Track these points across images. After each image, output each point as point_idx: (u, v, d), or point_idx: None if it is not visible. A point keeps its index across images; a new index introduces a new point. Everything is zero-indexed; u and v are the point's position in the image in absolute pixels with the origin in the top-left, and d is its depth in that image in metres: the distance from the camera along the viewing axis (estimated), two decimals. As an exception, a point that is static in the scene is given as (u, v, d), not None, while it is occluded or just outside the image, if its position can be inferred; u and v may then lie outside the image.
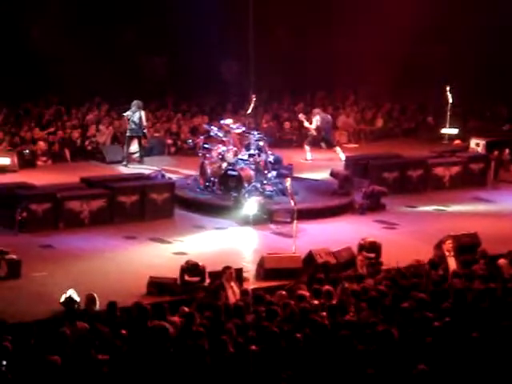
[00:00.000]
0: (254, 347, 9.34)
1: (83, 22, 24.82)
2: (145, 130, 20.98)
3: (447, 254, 13.53)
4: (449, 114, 23.83)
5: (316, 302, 11.03)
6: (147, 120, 21.78)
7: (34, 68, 24.27)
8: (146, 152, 21.64)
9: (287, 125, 24.15)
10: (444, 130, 24.04)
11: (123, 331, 9.96)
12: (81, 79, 23.49)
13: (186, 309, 10.88)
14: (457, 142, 23.58)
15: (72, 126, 22.07)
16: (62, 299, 11.83)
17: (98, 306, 11.37)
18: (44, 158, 20.73)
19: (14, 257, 13.58)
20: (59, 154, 21.06)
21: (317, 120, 21.77)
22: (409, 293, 11.17)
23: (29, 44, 25.03)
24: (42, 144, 20.85)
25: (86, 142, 21.52)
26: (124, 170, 20.34)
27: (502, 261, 13.12)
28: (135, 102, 20.88)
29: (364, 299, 11.08)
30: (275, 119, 24.68)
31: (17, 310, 12.10)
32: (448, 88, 23.98)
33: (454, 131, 23.90)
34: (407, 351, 9.40)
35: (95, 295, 11.47)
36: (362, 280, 12.28)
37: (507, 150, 21.90)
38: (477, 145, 22.08)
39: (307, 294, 11.44)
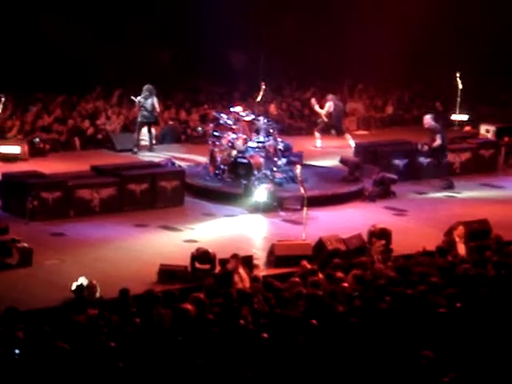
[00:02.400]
0: (265, 335, 9.37)
1: (93, 13, 24.81)
2: (157, 116, 20.91)
3: (458, 240, 13.52)
4: (459, 100, 23.76)
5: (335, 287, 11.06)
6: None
7: (43, 57, 24.32)
8: (159, 140, 21.63)
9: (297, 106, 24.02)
10: (454, 117, 23.98)
11: (136, 319, 10.00)
12: (90, 68, 23.49)
13: (199, 295, 10.90)
14: (467, 128, 23.53)
15: (81, 115, 22.07)
16: (74, 287, 11.87)
17: (98, 294, 11.40)
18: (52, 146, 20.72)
19: (26, 245, 13.63)
20: (69, 143, 21.09)
21: (329, 106, 21.73)
22: (420, 279, 11.16)
23: (39, 34, 25.09)
24: (53, 135, 20.85)
25: (94, 130, 21.47)
26: (134, 157, 20.35)
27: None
28: (146, 86, 20.70)
29: (374, 286, 11.08)
30: (285, 106, 24.65)
31: (28, 297, 12.14)
32: (458, 74, 23.90)
33: (464, 117, 23.83)
34: (415, 336, 9.43)
35: (95, 283, 11.50)
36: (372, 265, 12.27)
37: (517, 136, 21.88)
38: (487, 131, 22.04)
39: (320, 278, 11.46)
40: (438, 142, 18.92)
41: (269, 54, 24.53)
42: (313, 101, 22.01)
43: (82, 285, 11.77)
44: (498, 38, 27.40)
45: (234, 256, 12.50)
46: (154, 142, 21.18)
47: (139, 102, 20.67)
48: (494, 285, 10.94)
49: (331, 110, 21.75)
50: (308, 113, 23.56)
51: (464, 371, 8.84)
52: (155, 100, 20.69)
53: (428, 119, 19.27)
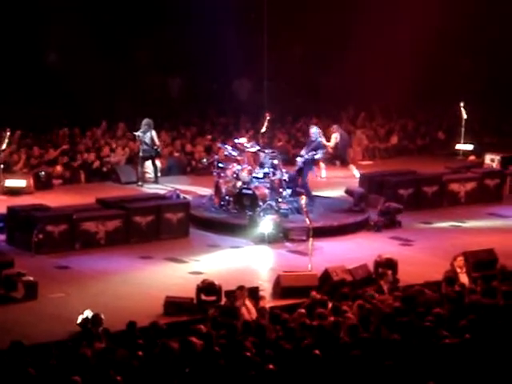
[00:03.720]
0: (271, 366, 9.33)
1: (98, 45, 24.97)
2: (158, 149, 21.01)
3: (459, 270, 13.50)
4: (463, 129, 23.80)
5: (340, 319, 11.02)
6: (160, 140, 21.82)
7: (48, 89, 24.46)
8: (164, 172, 21.70)
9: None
10: (459, 146, 24.00)
11: (140, 352, 9.96)
12: (94, 100, 23.60)
13: (203, 327, 10.85)
14: (472, 157, 23.53)
15: (86, 149, 22.14)
16: (79, 320, 11.84)
17: (103, 327, 11.36)
18: (59, 181, 20.80)
19: (31, 278, 13.62)
20: (75, 177, 21.14)
21: (336, 137, 21.77)
22: (427, 310, 11.11)
23: (44, 65, 25.26)
24: (58, 168, 20.94)
25: (100, 163, 21.52)
26: (139, 190, 20.37)
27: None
28: (145, 121, 20.87)
29: (381, 317, 11.03)
30: (289, 138, 24.70)
31: (34, 331, 12.12)
32: (462, 104, 23.96)
33: (469, 147, 23.85)
34: (422, 368, 9.37)
35: (101, 315, 11.47)
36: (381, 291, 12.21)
37: (523, 166, 21.87)
38: (492, 160, 22.03)
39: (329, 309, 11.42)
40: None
41: (273, 84, 24.68)
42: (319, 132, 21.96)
43: (87, 318, 11.73)
44: (504, 68, 27.51)
45: (241, 288, 12.46)
46: (159, 174, 21.23)
47: (138, 136, 20.81)
48: (506, 315, 10.87)
49: (338, 140, 21.79)
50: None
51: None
52: (154, 134, 20.81)
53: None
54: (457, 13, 25.84)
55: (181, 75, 27.80)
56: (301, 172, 18.27)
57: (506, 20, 26.82)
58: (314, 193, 19.10)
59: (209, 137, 23.92)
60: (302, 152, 18.56)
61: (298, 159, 18.32)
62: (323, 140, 21.57)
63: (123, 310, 12.72)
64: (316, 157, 18.71)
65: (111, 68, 24.91)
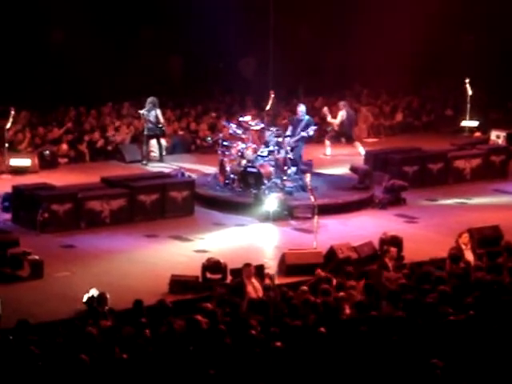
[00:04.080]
0: (278, 343, 9.35)
1: (101, 23, 24.87)
2: (163, 128, 20.96)
3: (464, 247, 13.48)
4: (469, 106, 23.70)
5: (342, 294, 11.03)
6: (165, 118, 21.79)
7: (52, 69, 24.41)
8: (169, 150, 21.67)
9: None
10: (464, 123, 23.92)
11: (146, 330, 9.99)
12: (99, 79, 23.53)
13: (210, 305, 10.86)
14: (477, 134, 23.45)
15: (91, 128, 22.12)
16: (85, 299, 11.87)
17: (109, 305, 11.38)
18: (65, 159, 20.80)
19: (37, 257, 13.65)
20: (79, 156, 21.14)
21: (342, 115, 21.70)
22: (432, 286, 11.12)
23: (48, 45, 25.18)
24: (64, 146, 20.93)
25: (104, 142, 21.50)
26: (144, 168, 20.36)
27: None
28: (150, 99, 20.79)
29: (386, 294, 11.04)
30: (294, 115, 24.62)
31: (40, 310, 12.16)
32: (467, 80, 23.84)
33: (474, 124, 23.77)
34: (427, 345, 9.38)
35: (106, 294, 11.49)
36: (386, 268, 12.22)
37: (528, 142, 21.80)
38: (497, 137, 21.95)
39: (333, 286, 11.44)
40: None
41: (279, 61, 24.55)
42: (325, 110, 21.94)
43: (93, 296, 11.76)
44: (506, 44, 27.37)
45: (247, 265, 12.46)
46: (163, 152, 21.21)
47: (143, 114, 20.77)
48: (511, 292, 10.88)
49: (344, 118, 21.73)
50: (317, 121, 23.52)
51: (476, 380, 8.78)
52: (159, 112, 20.75)
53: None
54: None
55: (184, 54, 27.69)
56: (286, 161, 17.82)
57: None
58: (319, 170, 19.08)
59: (213, 114, 23.87)
60: (289, 132, 18.29)
61: (288, 139, 18.03)
62: (330, 118, 21.61)
63: (128, 289, 12.75)
64: (310, 133, 18.64)
65: (115, 47, 24.81)
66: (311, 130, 18.61)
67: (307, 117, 18.93)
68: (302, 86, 20.46)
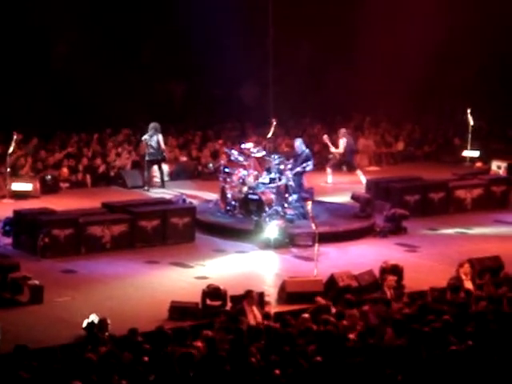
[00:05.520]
0: (277, 371, 9.32)
1: (102, 50, 25.03)
2: (164, 154, 21.03)
3: (464, 277, 13.47)
4: (470, 136, 23.77)
5: (345, 323, 11.01)
6: (167, 144, 21.87)
7: (54, 94, 24.51)
8: (172, 176, 21.75)
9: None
10: (465, 153, 23.97)
11: (145, 358, 9.96)
12: (101, 105, 23.65)
13: (210, 333, 10.85)
14: (478, 164, 23.51)
15: (93, 153, 22.18)
16: (85, 324, 11.84)
17: (109, 331, 11.35)
18: (66, 184, 20.85)
19: (37, 282, 13.63)
20: (81, 181, 21.19)
21: (344, 142, 21.78)
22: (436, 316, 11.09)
23: (50, 71, 25.29)
24: (65, 170, 21.00)
25: (106, 168, 21.53)
26: (145, 194, 20.39)
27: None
28: (152, 124, 20.90)
29: (390, 322, 11.02)
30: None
31: (39, 335, 12.12)
32: (469, 110, 23.94)
33: (476, 154, 23.82)
34: (431, 374, 9.35)
35: (107, 320, 11.46)
36: (389, 304, 12.19)
37: (529, 172, 21.85)
38: (498, 167, 22.00)
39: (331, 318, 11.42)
40: None
41: (280, 90, 24.67)
42: (325, 138, 22.02)
43: (93, 322, 11.73)
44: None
45: (250, 292, 12.45)
46: (165, 178, 21.26)
47: (145, 140, 20.85)
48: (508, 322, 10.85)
49: (345, 145, 21.78)
50: (318, 148, 23.59)
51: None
52: (160, 137, 20.82)
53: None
54: (459, 22, 25.84)
55: (186, 80, 27.82)
56: (287, 188, 17.79)
57: (506, 26, 26.89)
58: (320, 198, 19.13)
59: (220, 141, 23.93)
60: (290, 165, 18.15)
61: (288, 173, 17.94)
62: (332, 148, 21.65)
63: (129, 315, 12.73)
64: (307, 169, 18.55)
65: (117, 73, 24.91)
66: (308, 166, 18.56)
67: (306, 151, 18.88)
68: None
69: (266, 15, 23.26)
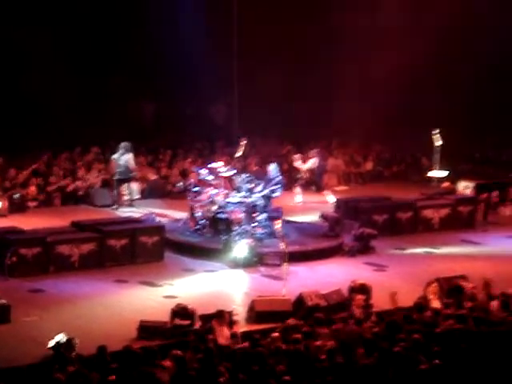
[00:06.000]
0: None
1: (73, 69, 25.00)
2: (133, 173, 21.02)
3: (431, 297, 13.57)
4: (437, 156, 24.00)
5: (318, 343, 11.04)
6: (137, 163, 21.87)
7: (23, 115, 24.42)
8: (144, 196, 21.74)
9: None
10: (433, 173, 24.20)
11: (112, 377, 9.92)
12: (70, 125, 23.60)
13: (179, 352, 10.84)
14: (446, 184, 23.73)
15: (63, 173, 22.08)
16: (52, 344, 11.77)
17: (76, 351, 11.29)
18: (34, 203, 20.73)
19: (4, 301, 13.52)
20: (49, 200, 21.08)
21: (313, 163, 21.89)
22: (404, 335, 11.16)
23: (18, 92, 25.21)
24: (32, 189, 20.89)
25: (75, 187, 21.44)
26: (114, 213, 20.33)
27: (494, 303, 13.15)
28: (123, 144, 20.92)
29: (360, 342, 11.06)
30: (263, 162, 24.78)
31: (7, 354, 12.02)
32: (436, 131, 24.18)
33: (443, 174, 24.05)
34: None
35: (75, 339, 11.40)
36: (360, 324, 12.24)
37: (496, 193, 22.08)
38: (465, 187, 22.21)
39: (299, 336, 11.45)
40: None
41: (250, 109, 24.80)
42: (296, 156, 22.15)
43: (60, 341, 11.66)
44: (480, 96, 27.89)
45: (221, 312, 12.44)
46: (134, 197, 21.24)
47: (114, 159, 20.84)
48: (476, 340, 10.94)
49: (315, 165, 21.91)
50: (286, 168, 23.69)
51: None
52: (130, 157, 20.83)
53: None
54: (426, 45, 26.17)
55: (156, 100, 27.85)
56: (255, 208, 17.78)
57: (476, 54, 27.30)
58: (289, 218, 19.21)
59: (189, 160, 23.95)
60: (259, 188, 18.15)
61: (256, 195, 17.94)
62: (299, 164, 21.79)
63: (97, 334, 12.66)
64: (273, 195, 18.41)
65: (87, 93, 24.88)
66: (276, 192, 18.49)
67: (279, 177, 18.82)
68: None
69: (237, 36, 23.40)
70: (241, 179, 18.16)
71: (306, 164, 21.92)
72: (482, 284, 13.81)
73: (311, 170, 21.92)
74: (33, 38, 24.23)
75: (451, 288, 14.15)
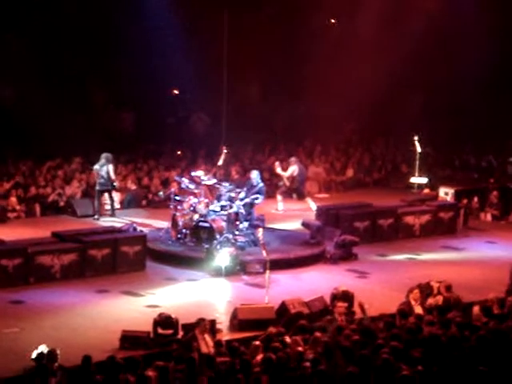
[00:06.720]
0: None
1: (54, 80, 24.92)
2: (114, 184, 20.97)
3: (413, 303, 13.62)
4: (418, 163, 24.09)
5: (300, 348, 11.03)
6: (117, 173, 21.81)
7: (3, 124, 24.30)
8: (124, 206, 21.68)
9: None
10: (413, 179, 24.28)
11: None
12: (51, 135, 23.49)
13: (161, 362, 10.79)
14: (426, 190, 23.82)
15: (44, 183, 21.98)
16: (34, 355, 11.68)
17: (58, 362, 11.22)
18: (15, 214, 20.62)
19: (-16, 313, 13.44)
20: (30, 210, 20.97)
21: (293, 170, 21.93)
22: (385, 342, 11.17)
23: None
24: (13, 200, 20.77)
25: (55, 197, 21.35)
26: (95, 223, 20.25)
27: (475, 309, 13.21)
28: (104, 155, 20.86)
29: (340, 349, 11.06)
30: (245, 171, 24.78)
31: (-12, 367, 11.95)
32: (416, 137, 24.27)
33: (424, 180, 24.15)
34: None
35: (57, 350, 11.33)
36: (341, 331, 12.24)
37: (476, 198, 22.20)
38: (446, 194, 22.30)
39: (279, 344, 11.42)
40: None
41: (230, 118, 24.82)
42: (276, 163, 22.19)
43: (42, 353, 11.57)
44: (460, 103, 28.05)
45: (202, 320, 12.42)
46: (115, 207, 21.17)
47: (96, 169, 20.79)
48: (459, 346, 10.97)
49: (295, 173, 21.94)
50: (268, 176, 23.71)
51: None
52: (111, 168, 20.76)
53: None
54: (407, 51, 26.29)
55: (137, 109, 27.80)
56: (237, 217, 17.81)
57: (453, 57, 27.44)
58: (271, 225, 19.21)
59: (171, 169, 23.90)
60: (241, 196, 18.17)
61: (237, 203, 17.95)
62: (279, 170, 21.82)
63: (79, 345, 12.60)
64: (256, 202, 18.49)
65: (66, 103, 24.80)
66: (258, 199, 18.52)
67: (261, 184, 18.90)
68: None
69: (220, 47, 23.42)
70: (222, 187, 18.14)
71: (286, 172, 21.94)
72: (444, 286, 13.96)
73: (292, 178, 21.94)
74: (8, 47, 24.10)
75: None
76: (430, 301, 13.75)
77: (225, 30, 23.19)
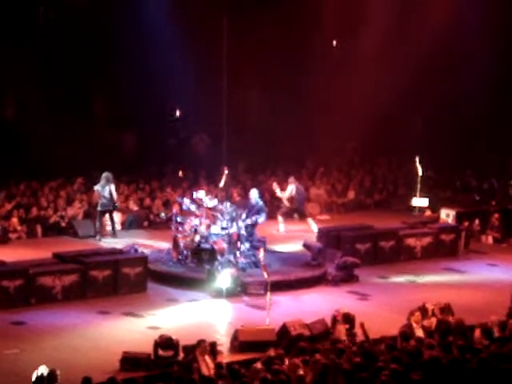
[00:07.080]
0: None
1: (54, 100, 24.99)
2: (116, 203, 20.99)
3: (415, 325, 13.61)
4: (419, 185, 24.12)
5: (300, 371, 11.01)
6: (119, 193, 21.83)
7: (5, 144, 24.36)
8: (125, 226, 21.69)
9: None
10: (414, 201, 24.29)
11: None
12: (53, 156, 23.55)
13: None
14: (427, 212, 23.82)
15: (46, 204, 22.00)
16: (34, 377, 11.66)
17: (58, 383, 11.20)
18: (16, 234, 20.64)
19: (-15, 334, 13.44)
20: (32, 231, 20.98)
21: (291, 190, 21.95)
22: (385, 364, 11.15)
23: (0, 120, 25.19)
24: (14, 221, 20.80)
25: (57, 218, 21.35)
26: (97, 244, 20.26)
27: (477, 331, 13.18)
28: (104, 175, 20.86)
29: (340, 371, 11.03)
30: (246, 192, 24.81)
31: (-12, 388, 11.95)
32: (417, 159, 24.31)
33: (425, 202, 24.16)
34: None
35: (57, 371, 11.32)
36: (341, 353, 12.23)
37: (477, 221, 22.20)
38: (447, 215, 22.31)
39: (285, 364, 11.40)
40: None
41: (232, 139, 24.87)
42: (274, 185, 22.21)
43: (42, 374, 11.55)
44: (460, 125, 28.12)
45: (202, 342, 12.41)
46: (118, 227, 21.18)
47: (97, 190, 20.80)
48: (460, 368, 10.95)
49: (293, 193, 21.96)
50: (269, 198, 23.72)
51: None
52: (112, 188, 20.78)
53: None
54: (412, 69, 26.35)
55: (138, 131, 27.87)
56: (238, 238, 17.80)
57: (455, 76, 27.52)
58: (272, 247, 19.22)
59: (172, 191, 23.92)
60: (243, 217, 18.16)
61: (240, 223, 18.03)
62: (278, 192, 21.84)
63: (80, 366, 12.59)
64: (259, 221, 18.54)
65: (69, 124, 24.87)
66: (260, 218, 18.59)
67: (260, 203, 18.96)
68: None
69: (219, 67, 23.48)
70: (224, 209, 18.16)
71: (285, 192, 21.95)
72: (438, 308, 13.95)
73: (291, 198, 21.94)
74: (15, 68, 24.20)
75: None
76: (425, 323, 13.75)
77: (224, 53, 23.22)
